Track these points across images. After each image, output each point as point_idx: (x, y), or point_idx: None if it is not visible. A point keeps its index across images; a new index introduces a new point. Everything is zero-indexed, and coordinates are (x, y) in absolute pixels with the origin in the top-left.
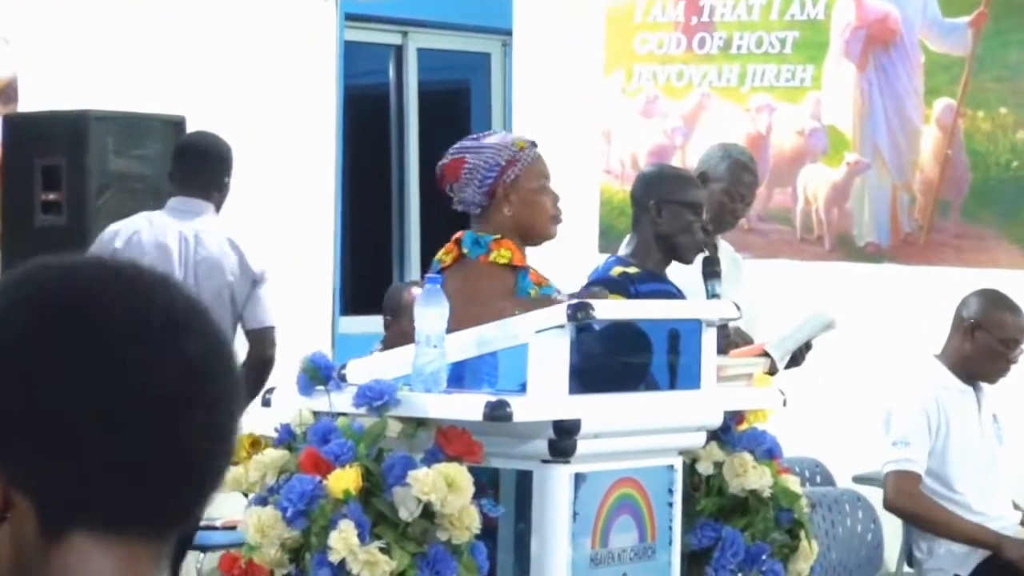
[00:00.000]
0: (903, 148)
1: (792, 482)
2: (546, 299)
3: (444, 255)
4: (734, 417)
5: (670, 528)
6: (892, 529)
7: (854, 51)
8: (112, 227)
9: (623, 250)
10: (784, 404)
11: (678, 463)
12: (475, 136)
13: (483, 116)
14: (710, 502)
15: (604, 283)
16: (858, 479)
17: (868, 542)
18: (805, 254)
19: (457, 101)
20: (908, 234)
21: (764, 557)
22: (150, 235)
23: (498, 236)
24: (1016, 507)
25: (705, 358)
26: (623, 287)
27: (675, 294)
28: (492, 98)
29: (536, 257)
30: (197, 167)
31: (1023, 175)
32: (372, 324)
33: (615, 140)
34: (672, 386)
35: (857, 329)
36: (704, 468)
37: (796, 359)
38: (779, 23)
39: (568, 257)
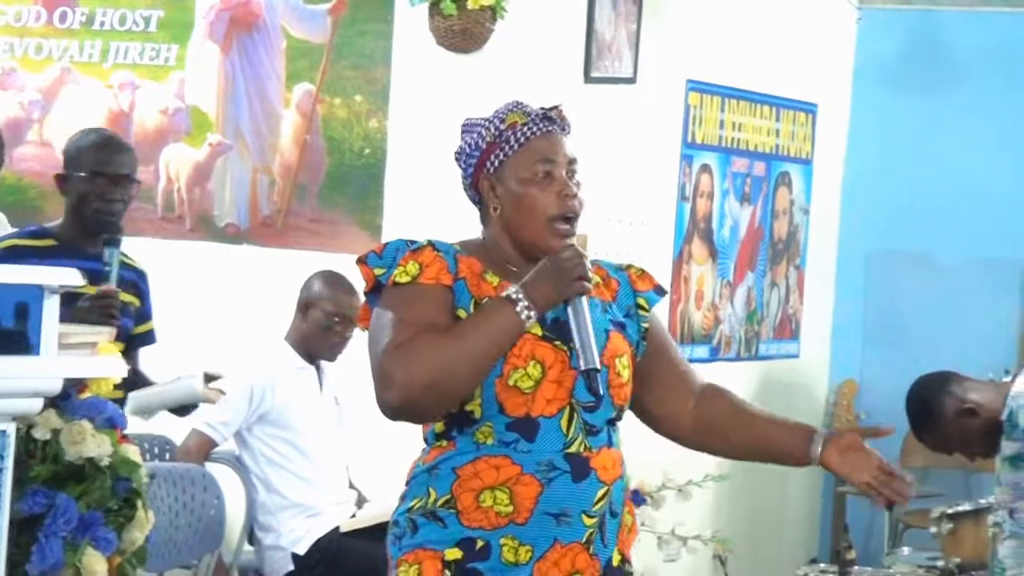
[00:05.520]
0: (264, 131)
1: (133, 452)
2: None
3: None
4: (75, 385)
5: None
6: (236, 508)
7: (218, 33)
8: None
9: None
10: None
11: (11, 428)
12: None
13: None
14: (45, 469)
15: None
16: (216, 457)
17: (212, 517)
18: (166, 232)
19: None
20: (267, 216)
21: (98, 525)
22: None
23: (423, 244)
24: (352, 487)
25: (46, 324)
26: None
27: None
28: None
29: None
30: None
31: (375, 162)
32: None
33: None
34: (7, 350)
35: (216, 308)
36: (40, 434)
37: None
38: (143, 1)
39: None
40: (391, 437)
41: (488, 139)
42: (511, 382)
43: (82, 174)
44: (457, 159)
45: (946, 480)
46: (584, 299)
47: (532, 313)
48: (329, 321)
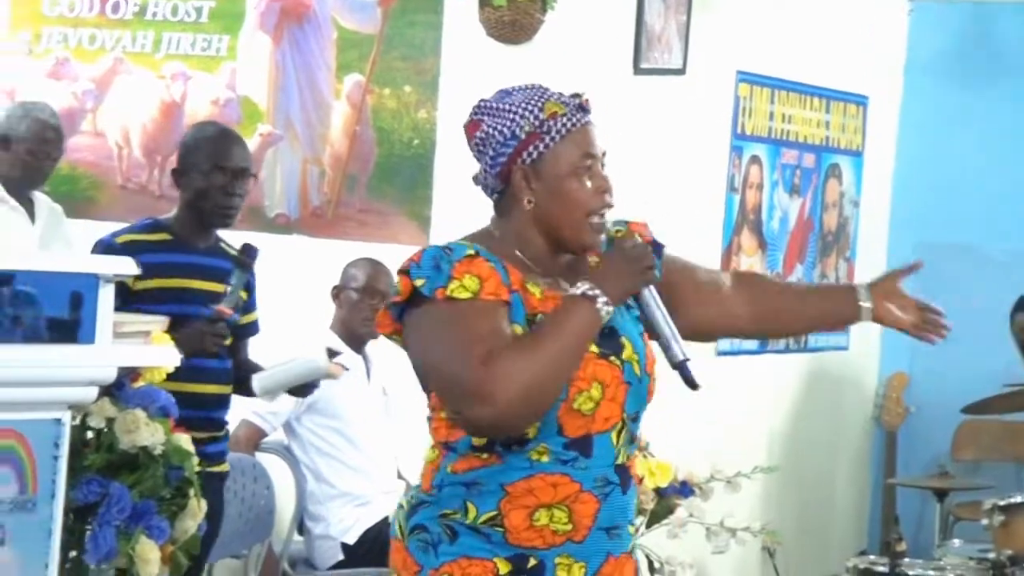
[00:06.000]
0: (314, 122)
1: (185, 441)
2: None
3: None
4: (129, 374)
5: (54, 482)
6: (286, 498)
7: (269, 24)
8: None
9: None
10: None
11: (66, 417)
12: (508, 89)
13: None
14: (99, 457)
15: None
16: (265, 446)
17: (262, 507)
18: None
19: None
20: (317, 207)
21: (151, 513)
22: None
23: (471, 252)
24: (400, 477)
25: (101, 313)
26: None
27: (188, 266)
28: None
29: None
30: None
31: (424, 153)
32: None
33: (20, 100)
34: (62, 339)
35: (265, 298)
36: (95, 423)
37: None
38: None
39: None
40: None
41: (527, 129)
42: (575, 406)
43: (202, 168)
44: (480, 144)
45: (997, 472)
46: (652, 288)
47: (610, 308)
48: (359, 295)
